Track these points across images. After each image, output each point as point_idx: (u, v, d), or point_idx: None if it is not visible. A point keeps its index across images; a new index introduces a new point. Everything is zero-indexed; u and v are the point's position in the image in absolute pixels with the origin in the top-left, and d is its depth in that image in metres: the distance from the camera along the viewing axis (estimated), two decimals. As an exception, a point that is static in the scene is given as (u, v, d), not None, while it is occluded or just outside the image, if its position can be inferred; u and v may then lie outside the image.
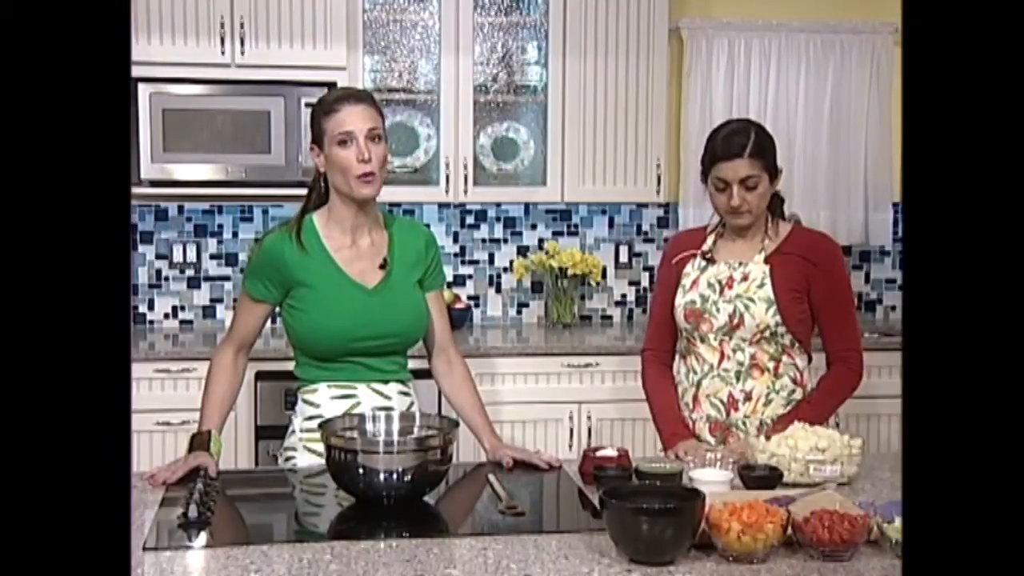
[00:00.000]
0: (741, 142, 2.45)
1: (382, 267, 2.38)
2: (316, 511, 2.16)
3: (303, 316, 2.34)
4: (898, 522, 1.75)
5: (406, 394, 2.44)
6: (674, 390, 2.63)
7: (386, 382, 2.40)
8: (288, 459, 2.42)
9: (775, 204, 2.57)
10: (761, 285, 2.50)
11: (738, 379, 2.52)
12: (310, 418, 2.34)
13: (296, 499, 2.26)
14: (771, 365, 2.52)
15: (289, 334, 2.41)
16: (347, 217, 2.35)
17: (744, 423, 2.52)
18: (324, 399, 2.37)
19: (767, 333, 2.50)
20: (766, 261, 2.52)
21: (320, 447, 2.11)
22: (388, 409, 2.33)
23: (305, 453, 2.37)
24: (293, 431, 2.42)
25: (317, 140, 2.32)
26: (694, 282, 2.58)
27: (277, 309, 2.42)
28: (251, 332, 2.42)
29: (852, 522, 1.74)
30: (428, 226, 4.10)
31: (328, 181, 2.35)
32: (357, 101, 2.30)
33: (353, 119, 2.27)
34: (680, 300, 2.59)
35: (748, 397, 2.52)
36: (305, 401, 2.40)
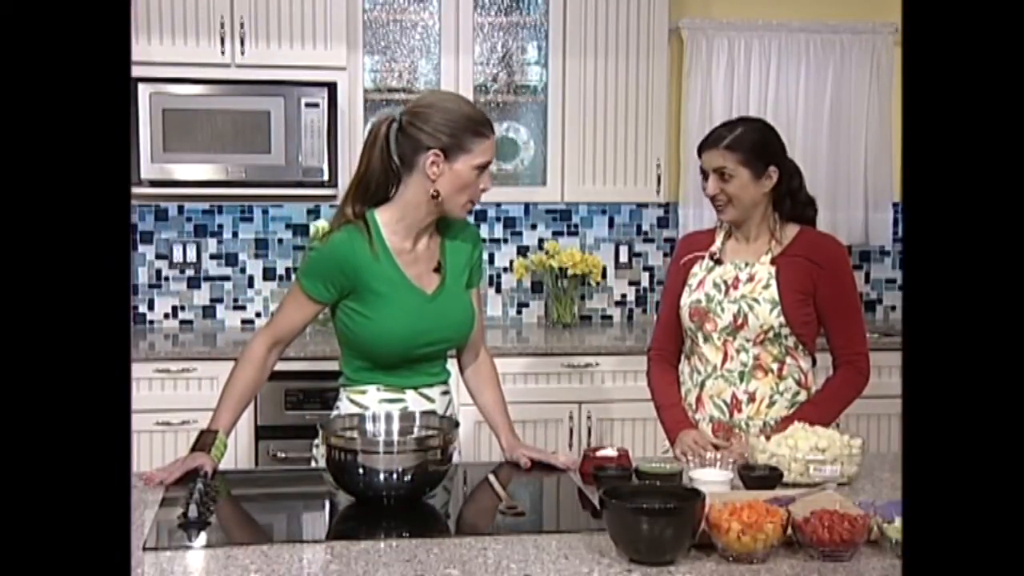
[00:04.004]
0: (722, 134, 2.51)
1: (436, 271, 2.34)
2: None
3: (367, 323, 2.28)
4: (898, 522, 1.75)
5: (446, 393, 2.44)
6: (678, 387, 2.63)
7: (431, 386, 2.39)
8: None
9: (784, 206, 2.55)
10: (766, 286, 2.50)
11: (741, 380, 2.52)
12: None
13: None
14: (775, 366, 2.52)
15: (346, 337, 2.34)
16: (420, 222, 2.29)
17: (747, 424, 2.51)
18: (372, 402, 2.34)
19: (771, 334, 2.50)
20: (772, 262, 2.52)
21: None
22: (432, 412, 2.31)
23: None
24: None
25: (446, 151, 2.21)
26: (700, 282, 2.58)
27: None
28: (294, 329, 2.34)
29: (852, 522, 1.73)
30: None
31: (402, 184, 2.27)
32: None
33: (494, 152, 2.28)
34: (685, 299, 2.59)
35: (752, 398, 2.52)
36: (352, 401, 2.36)
